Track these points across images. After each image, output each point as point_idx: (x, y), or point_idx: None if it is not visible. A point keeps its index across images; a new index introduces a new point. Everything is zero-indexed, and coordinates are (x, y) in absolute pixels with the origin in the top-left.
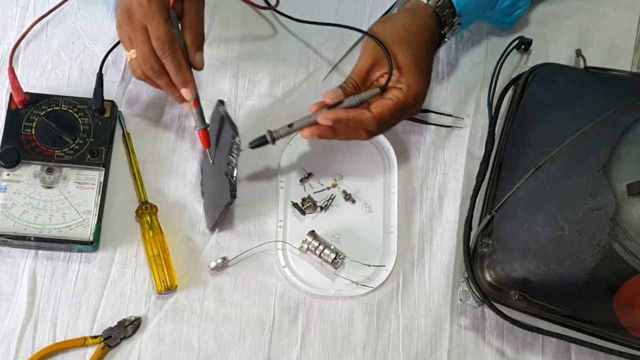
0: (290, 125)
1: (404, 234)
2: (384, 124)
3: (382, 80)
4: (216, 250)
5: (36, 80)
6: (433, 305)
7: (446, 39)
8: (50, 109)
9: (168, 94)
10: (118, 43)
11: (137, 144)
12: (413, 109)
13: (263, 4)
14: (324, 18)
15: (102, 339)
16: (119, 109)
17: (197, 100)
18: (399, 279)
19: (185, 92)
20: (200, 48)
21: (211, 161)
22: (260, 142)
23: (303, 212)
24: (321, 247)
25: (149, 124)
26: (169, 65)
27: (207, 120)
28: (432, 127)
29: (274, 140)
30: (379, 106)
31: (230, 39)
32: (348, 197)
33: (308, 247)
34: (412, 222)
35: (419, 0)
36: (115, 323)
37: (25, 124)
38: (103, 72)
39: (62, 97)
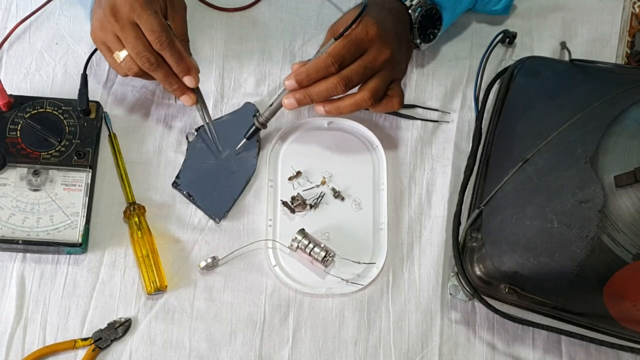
0: (271, 104)
1: (393, 230)
2: (341, 61)
3: None
4: (205, 250)
5: (20, 82)
6: (423, 300)
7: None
8: (35, 111)
9: (166, 88)
10: None
11: (123, 144)
12: (371, 44)
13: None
14: (308, 16)
15: (92, 341)
16: (104, 110)
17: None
18: (389, 275)
19: (188, 80)
20: (189, 54)
21: (175, 103)
22: (253, 132)
23: (292, 211)
24: (311, 245)
25: (135, 124)
26: (169, 55)
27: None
28: (419, 122)
29: (263, 125)
30: (332, 46)
31: (215, 38)
32: (337, 194)
33: (298, 246)
34: (401, 217)
35: None
36: (106, 325)
37: (10, 126)
38: (87, 72)
39: (46, 98)
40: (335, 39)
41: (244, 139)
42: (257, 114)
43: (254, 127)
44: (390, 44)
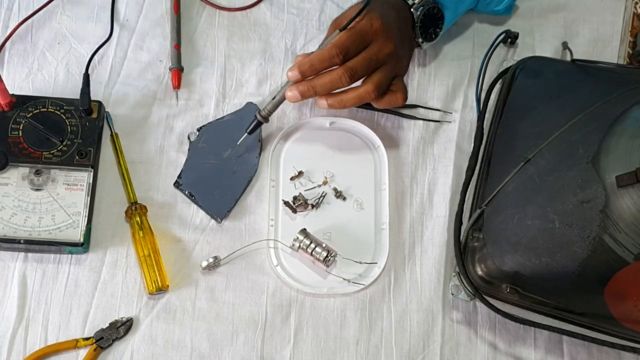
0: (273, 98)
1: (394, 230)
2: (346, 52)
3: None
4: (207, 250)
5: (22, 81)
6: (425, 300)
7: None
8: (37, 110)
9: None
10: (104, 43)
11: (125, 144)
12: (375, 36)
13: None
14: (309, 16)
15: (94, 341)
16: (106, 110)
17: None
18: (391, 275)
19: None
20: None
21: (177, 103)
22: (254, 126)
23: (294, 210)
24: (313, 245)
25: (136, 124)
26: None
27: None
28: (421, 122)
29: (265, 119)
30: (336, 37)
31: (217, 38)
32: (339, 194)
33: (299, 246)
34: (403, 217)
35: None
36: (107, 324)
37: (12, 126)
38: (89, 72)
39: (48, 98)
40: (340, 31)
41: (246, 133)
42: (260, 109)
43: (256, 121)
44: (394, 38)
